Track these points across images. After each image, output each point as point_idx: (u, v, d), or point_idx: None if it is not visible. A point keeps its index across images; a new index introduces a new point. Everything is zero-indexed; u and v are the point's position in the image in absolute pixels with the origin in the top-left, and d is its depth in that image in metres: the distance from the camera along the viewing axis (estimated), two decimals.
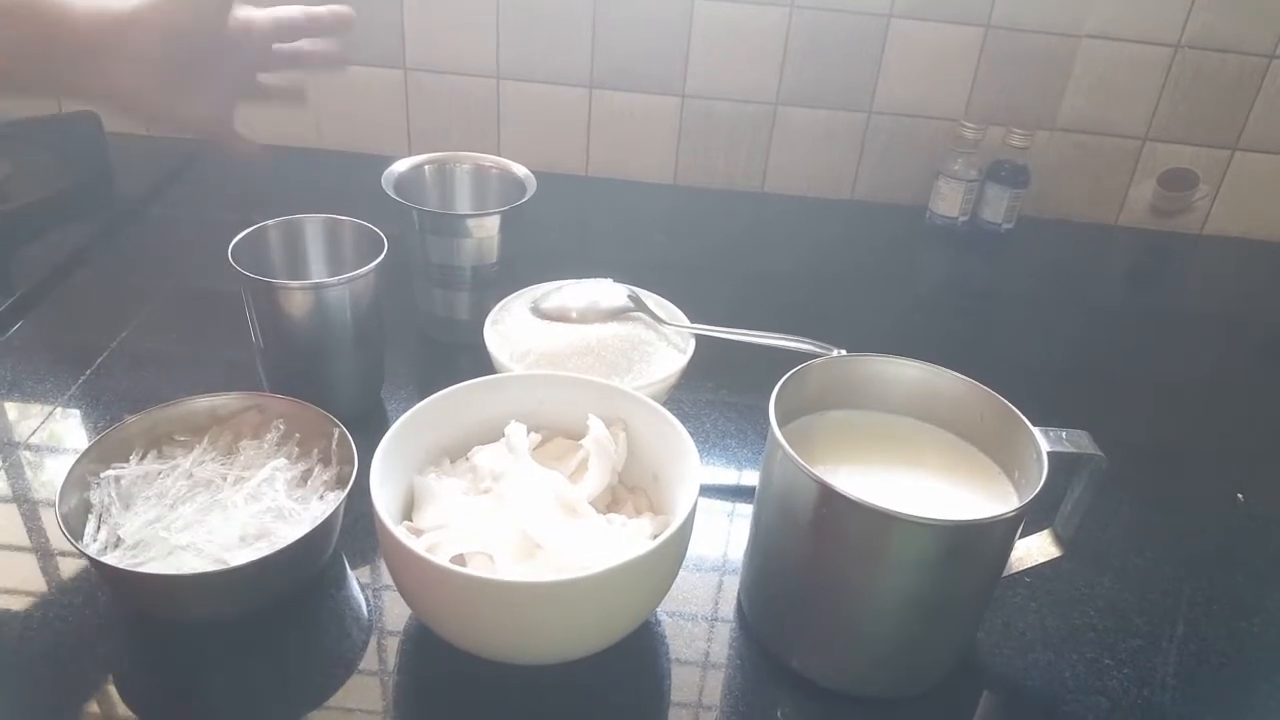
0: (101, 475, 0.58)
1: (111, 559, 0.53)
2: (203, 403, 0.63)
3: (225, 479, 0.59)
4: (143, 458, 0.60)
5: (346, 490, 0.57)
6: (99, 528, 0.56)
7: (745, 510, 0.67)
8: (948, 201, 1.07)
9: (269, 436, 0.62)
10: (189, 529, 0.55)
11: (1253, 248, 1.15)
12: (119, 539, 0.55)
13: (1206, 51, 1.06)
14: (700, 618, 0.59)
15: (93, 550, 0.53)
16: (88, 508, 0.57)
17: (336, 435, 0.61)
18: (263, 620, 0.55)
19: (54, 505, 0.54)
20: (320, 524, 0.54)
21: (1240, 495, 0.73)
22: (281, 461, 0.60)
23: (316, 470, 0.61)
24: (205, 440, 0.62)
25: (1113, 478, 0.52)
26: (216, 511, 0.57)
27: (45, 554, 0.60)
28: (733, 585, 0.61)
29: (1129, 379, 0.88)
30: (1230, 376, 0.91)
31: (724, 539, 0.65)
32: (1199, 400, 0.86)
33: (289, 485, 0.59)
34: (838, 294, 0.98)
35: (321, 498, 0.59)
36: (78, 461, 0.57)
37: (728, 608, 0.60)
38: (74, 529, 0.54)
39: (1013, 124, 1.04)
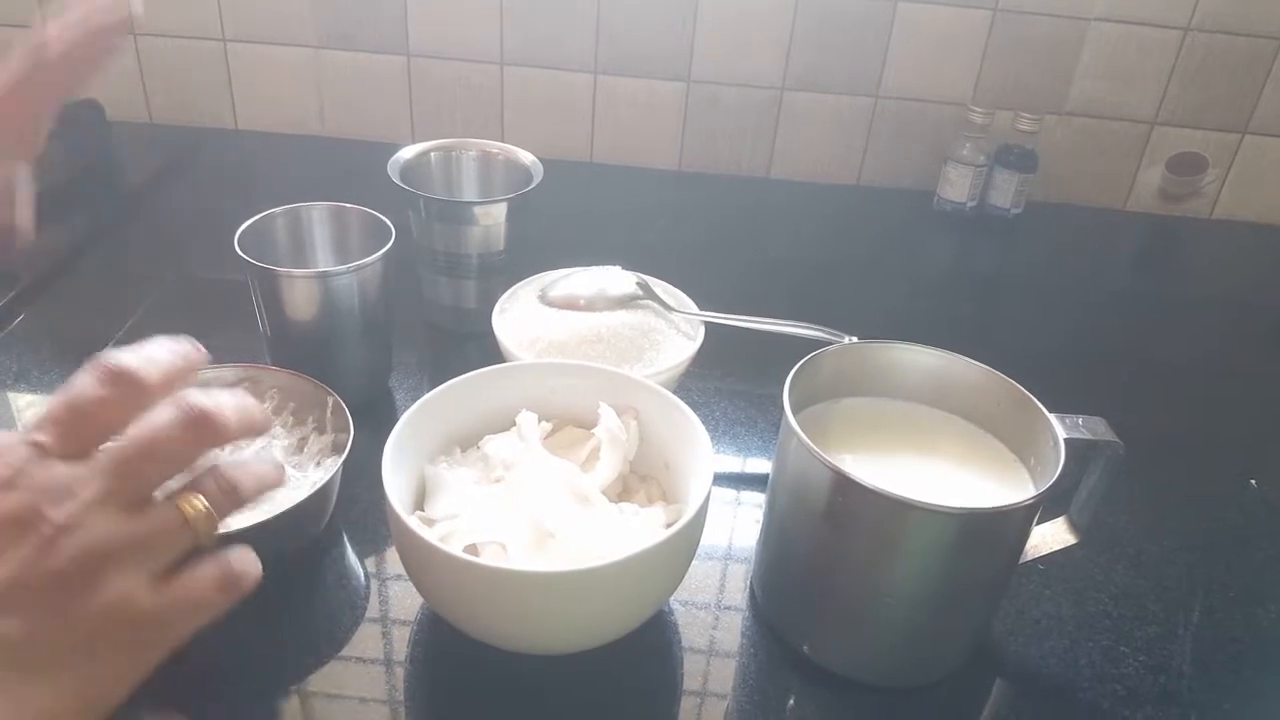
0: (101, 448, 0.58)
1: None
2: (197, 375, 0.63)
3: (221, 448, 0.59)
4: None
5: (344, 455, 0.58)
6: None
7: (757, 498, 0.67)
8: (955, 186, 1.06)
9: (264, 406, 0.62)
10: None
11: (1262, 232, 1.14)
12: None
13: (1216, 34, 1.05)
14: (712, 606, 0.59)
15: None
16: None
17: (331, 404, 0.61)
18: (261, 595, 0.55)
19: None
20: (319, 488, 0.55)
21: (1253, 481, 0.72)
22: (278, 430, 0.61)
23: (312, 438, 0.62)
24: None
25: (1124, 464, 0.52)
26: None
27: None
28: (745, 573, 0.61)
29: (1139, 365, 0.88)
30: (1241, 362, 0.90)
31: (736, 527, 0.65)
32: (1210, 386, 0.86)
33: (285, 453, 0.60)
34: (845, 280, 0.97)
35: (318, 464, 0.60)
36: None
37: (740, 596, 0.60)
38: None
39: (1021, 108, 1.04)
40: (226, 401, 0.40)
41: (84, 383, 0.38)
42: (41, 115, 0.51)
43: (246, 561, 0.40)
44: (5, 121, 0.50)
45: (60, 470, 0.37)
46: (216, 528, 0.40)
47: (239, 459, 0.57)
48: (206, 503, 0.39)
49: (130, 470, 0.38)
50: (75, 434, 0.38)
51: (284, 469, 0.43)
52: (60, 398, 0.38)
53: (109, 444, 0.38)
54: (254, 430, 0.41)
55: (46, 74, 0.49)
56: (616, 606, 0.50)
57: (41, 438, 0.37)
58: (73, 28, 0.50)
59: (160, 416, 0.38)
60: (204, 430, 0.39)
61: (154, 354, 0.40)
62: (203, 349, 0.42)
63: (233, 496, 0.41)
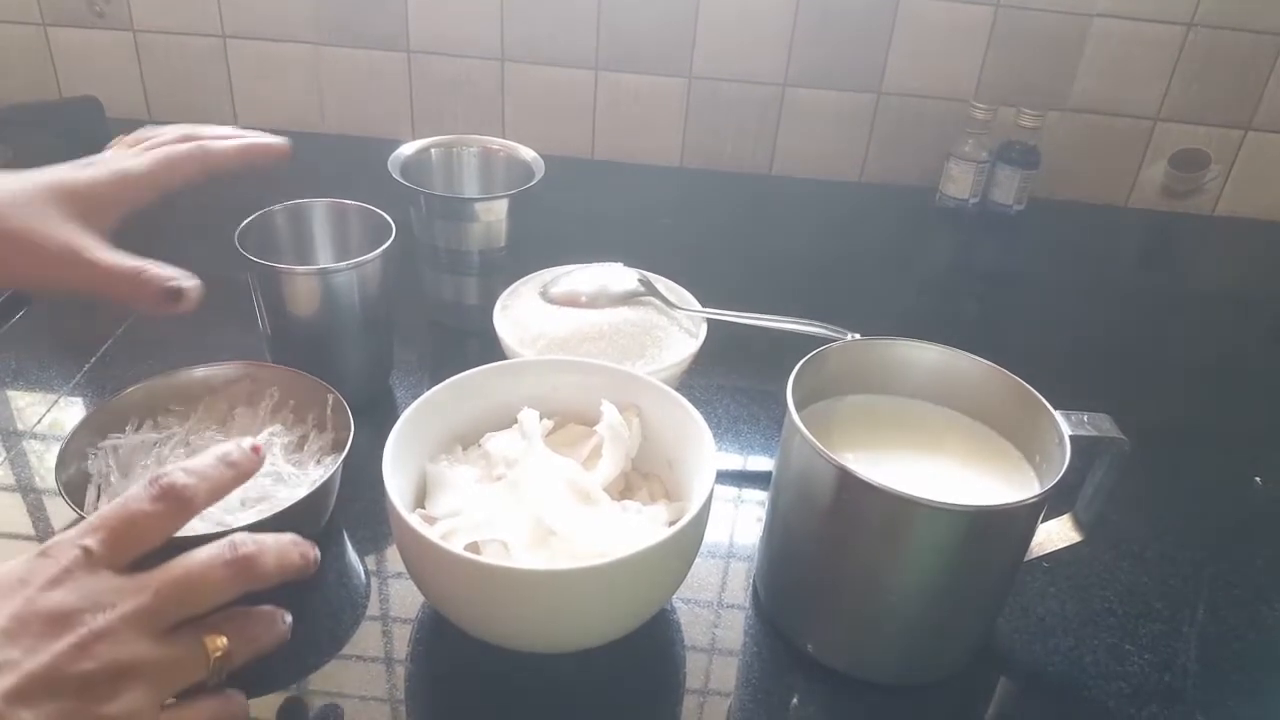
0: (99, 445, 0.58)
1: None
2: (198, 373, 0.63)
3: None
4: (139, 428, 0.60)
5: (344, 453, 0.57)
6: (99, 496, 0.56)
7: (759, 496, 0.67)
8: (958, 183, 1.06)
9: (264, 404, 0.63)
10: None
11: (1265, 229, 1.14)
12: None
13: (1219, 30, 1.04)
14: (715, 604, 0.58)
15: None
16: (86, 478, 0.57)
17: (331, 401, 0.61)
18: (262, 592, 0.55)
19: (55, 486, 0.54)
20: (320, 486, 0.55)
21: (1258, 478, 0.72)
22: (278, 427, 0.61)
23: (312, 435, 0.62)
24: (200, 409, 0.62)
25: (1129, 461, 0.51)
26: None
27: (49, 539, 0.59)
28: (747, 571, 0.61)
29: (1142, 362, 0.87)
30: (1244, 359, 0.90)
31: (738, 525, 0.65)
32: (1214, 383, 0.85)
33: (285, 450, 0.60)
34: (848, 277, 0.97)
35: (318, 462, 0.60)
36: (75, 431, 0.57)
37: (742, 594, 0.59)
38: (74, 498, 0.54)
39: (1023, 104, 1.03)
40: (270, 546, 0.43)
41: (137, 496, 0.41)
42: (172, 188, 0.59)
43: (242, 706, 0.43)
44: (144, 189, 0.58)
45: (106, 580, 0.39)
46: (227, 669, 0.42)
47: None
48: (227, 644, 0.42)
49: (170, 597, 0.40)
50: (122, 543, 0.41)
51: (290, 628, 0.46)
52: (114, 508, 0.41)
53: (156, 568, 0.41)
54: (292, 573, 0.44)
55: (202, 157, 0.59)
56: (619, 605, 0.50)
57: (91, 543, 0.40)
58: (240, 137, 0.61)
59: (207, 554, 0.41)
60: (245, 573, 0.42)
61: (207, 470, 0.43)
62: (261, 450, 0.46)
63: (251, 646, 0.43)
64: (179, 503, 0.42)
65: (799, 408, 0.51)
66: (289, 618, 0.45)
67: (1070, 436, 0.50)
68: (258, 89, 1.14)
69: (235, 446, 0.45)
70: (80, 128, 1.06)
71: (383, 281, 0.68)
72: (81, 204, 0.55)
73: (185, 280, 0.54)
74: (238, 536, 0.42)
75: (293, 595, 0.56)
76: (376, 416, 0.63)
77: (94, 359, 0.75)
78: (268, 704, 0.51)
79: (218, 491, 0.44)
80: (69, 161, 0.58)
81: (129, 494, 0.42)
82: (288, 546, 0.44)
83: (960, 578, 0.49)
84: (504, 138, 0.83)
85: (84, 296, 0.54)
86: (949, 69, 1.08)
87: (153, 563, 0.43)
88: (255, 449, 0.46)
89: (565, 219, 0.97)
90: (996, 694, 0.55)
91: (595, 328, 0.69)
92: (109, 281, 0.54)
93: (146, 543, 0.41)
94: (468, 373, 0.58)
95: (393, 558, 0.60)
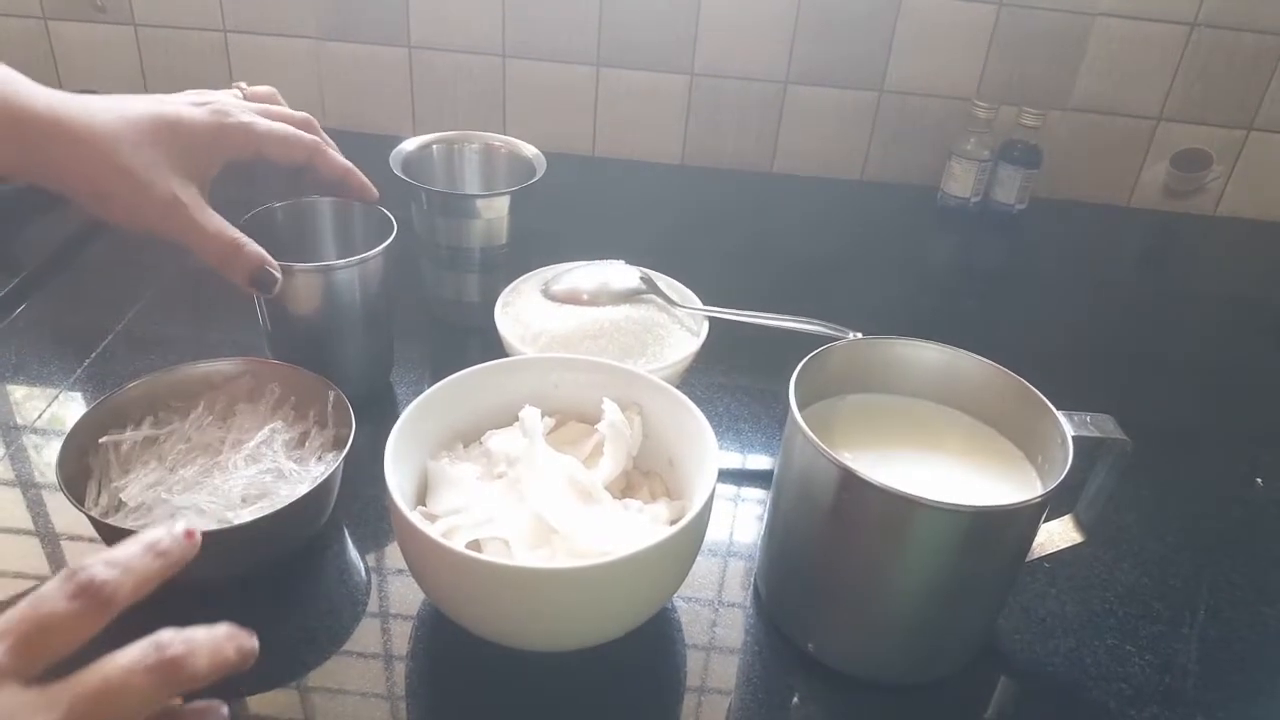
0: (100, 441, 0.58)
1: (114, 521, 0.53)
2: (200, 369, 0.63)
3: (224, 442, 0.60)
4: (140, 424, 0.60)
5: (345, 450, 0.57)
6: (100, 492, 0.56)
7: (758, 494, 0.67)
8: (960, 182, 1.06)
9: (264, 400, 0.63)
10: (190, 491, 0.55)
11: (1267, 229, 1.14)
12: (120, 503, 0.55)
13: (1222, 30, 1.04)
14: (716, 603, 0.58)
15: (95, 514, 0.53)
16: (87, 474, 0.57)
17: (332, 398, 0.61)
18: (262, 590, 0.56)
19: (56, 482, 0.53)
20: (321, 483, 0.55)
21: (1259, 479, 0.72)
22: (279, 424, 0.61)
23: (313, 432, 0.61)
24: (201, 405, 0.62)
25: (1129, 461, 0.51)
26: (217, 474, 0.57)
27: (49, 536, 0.59)
28: (747, 570, 0.61)
29: (1143, 362, 0.87)
30: (1246, 359, 0.90)
31: (740, 524, 0.65)
32: (1215, 383, 0.85)
33: (287, 447, 0.60)
34: (849, 275, 0.97)
35: (320, 459, 0.60)
36: (76, 427, 0.57)
37: (743, 593, 0.59)
38: (75, 494, 0.54)
39: (1025, 103, 1.03)
40: (202, 643, 0.37)
41: (50, 595, 0.36)
42: (274, 161, 0.62)
43: None
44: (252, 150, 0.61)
45: (11, 695, 0.34)
46: None
47: (241, 457, 0.57)
48: None
49: (86, 713, 0.35)
50: (31, 651, 0.35)
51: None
52: (22, 609, 0.36)
53: (70, 676, 0.36)
54: (228, 670, 0.38)
55: (314, 154, 0.64)
56: (620, 604, 0.50)
57: None
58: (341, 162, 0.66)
59: (128, 659, 0.36)
60: (172, 678, 0.36)
61: (131, 562, 0.38)
62: (197, 536, 0.40)
63: None
64: (97, 601, 0.36)
65: (801, 407, 0.51)
66: (225, 710, 0.40)
67: (1073, 437, 0.50)
68: (259, 84, 1.14)
69: (166, 533, 0.40)
70: None
71: (384, 278, 0.68)
72: (189, 146, 0.58)
73: (276, 269, 0.58)
74: (164, 635, 0.37)
75: (292, 591, 0.56)
76: (377, 413, 0.63)
77: (95, 354, 0.75)
78: (267, 701, 0.51)
79: (144, 585, 0.38)
80: (184, 91, 0.63)
81: (41, 592, 0.36)
82: (222, 642, 0.38)
83: (961, 578, 0.49)
84: (505, 134, 0.83)
85: (172, 245, 0.56)
86: (951, 67, 1.08)
87: (68, 669, 0.36)
88: (189, 534, 0.40)
89: (567, 216, 0.97)
90: (997, 694, 0.55)
91: (597, 325, 0.69)
92: (204, 244, 0.55)
93: (60, 649, 0.36)
94: (469, 370, 0.58)
95: (393, 555, 0.60)
